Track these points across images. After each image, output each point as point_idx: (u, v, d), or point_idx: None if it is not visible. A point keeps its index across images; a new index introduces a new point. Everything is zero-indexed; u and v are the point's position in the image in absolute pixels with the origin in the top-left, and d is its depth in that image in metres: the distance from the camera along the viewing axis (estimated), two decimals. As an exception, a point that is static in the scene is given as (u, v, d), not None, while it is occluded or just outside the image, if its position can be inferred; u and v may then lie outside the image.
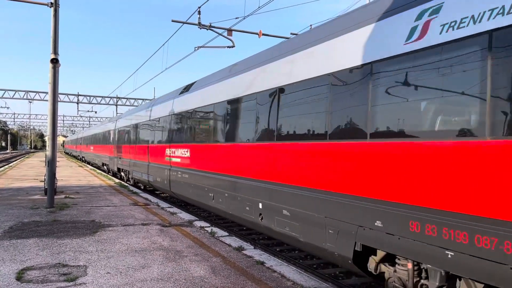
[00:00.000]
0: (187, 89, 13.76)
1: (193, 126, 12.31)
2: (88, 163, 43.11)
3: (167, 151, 14.30)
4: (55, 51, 11.97)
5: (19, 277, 5.48)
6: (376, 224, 5.21)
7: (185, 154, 12.62)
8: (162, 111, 15.67)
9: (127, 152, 21.17)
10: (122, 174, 22.86)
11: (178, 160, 13.24)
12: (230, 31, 16.00)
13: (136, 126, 19.51)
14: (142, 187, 19.42)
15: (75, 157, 63.33)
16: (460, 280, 4.51)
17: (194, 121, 12.24)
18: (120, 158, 23.23)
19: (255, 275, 5.78)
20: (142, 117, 18.67)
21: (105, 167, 29.96)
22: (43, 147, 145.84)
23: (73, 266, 6.05)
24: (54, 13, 12.05)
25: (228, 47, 16.77)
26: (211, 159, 10.61)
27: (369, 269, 5.77)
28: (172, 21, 15.69)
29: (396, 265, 5.28)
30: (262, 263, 6.38)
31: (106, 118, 69.34)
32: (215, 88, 10.93)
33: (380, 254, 5.52)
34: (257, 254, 6.96)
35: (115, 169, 24.81)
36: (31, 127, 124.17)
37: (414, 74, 4.84)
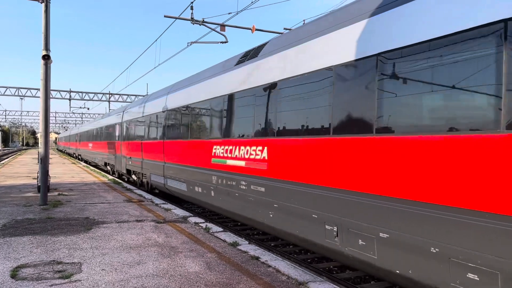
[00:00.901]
0: (255, 53, 8.91)
1: (274, 109, 7.56)
2: (86, 161, 39.88)
3: (217, 150, 9.78)
4: (47, 47, 11.86)
5: (14, 274, 5.46)
6: None
7: (253, 154, 8.09)
8: (207, 92, 10.73)
9: (145, 150, 16.37)
10: (134, 177, 18.67)
11: (233, 162, 8.80)
12: (223, 26, 15.95)
13: (157, 117, 14.98)
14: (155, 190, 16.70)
15: (70, 155, 59.96)
16: None
17: (278, 100, 7.47)
18: (130, 157, 18.77)
19: (250, 270, 5.81)
20: (168, 104, 13.98)
21: (108, 167, 26.08)
22: (35, 144, 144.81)
23: (68, 263, 6.04)
24: (45, 8, 11.93)
25: (221, 42, 16.73)
26: (336, 166, 5.91)
27: None
28: (165, 16, 15.59)
29: None
30: (257, 258, 6.41)
31: (99, 114, 68.64)
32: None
33: None
34: (252, 249, 6.99)
35: (123, 171, 20.56)
36: (23, 124, 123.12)
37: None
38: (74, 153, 53.24)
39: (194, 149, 11.38)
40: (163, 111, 14.35)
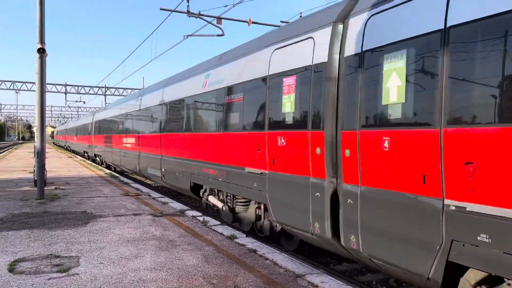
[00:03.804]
0: None
1: None
2: (103, 164, 26.88)
3: None
4: (42, 40, 11.76)
5: (11, 268, 5.46)
6: None
7: None
8: None
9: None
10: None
11: None
12: (219, 19, 15.88)
13: None
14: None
15: (76, 153, 43.77)
16: None
17: None
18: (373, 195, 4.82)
19: (248, 263, 5.83)
20: None
21: (207, 199, 10.62)
22: (31, 138, 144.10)
23: (66, 257, 6.05)
24: (40, 1, 11.81)
25: (217, 35, 16.66)
26: None
27: None
28: (161, 9, 15.50)
29: None
30: (255, 251, 6.44)
31: (95, 108, 66.39)
32: None
33: None
34: (249, 242, 7.01)
35: (325, 235, 5.83)
36: (19, 117, 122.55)
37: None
38: (85, 152, 35.72)
39: None
40: None
